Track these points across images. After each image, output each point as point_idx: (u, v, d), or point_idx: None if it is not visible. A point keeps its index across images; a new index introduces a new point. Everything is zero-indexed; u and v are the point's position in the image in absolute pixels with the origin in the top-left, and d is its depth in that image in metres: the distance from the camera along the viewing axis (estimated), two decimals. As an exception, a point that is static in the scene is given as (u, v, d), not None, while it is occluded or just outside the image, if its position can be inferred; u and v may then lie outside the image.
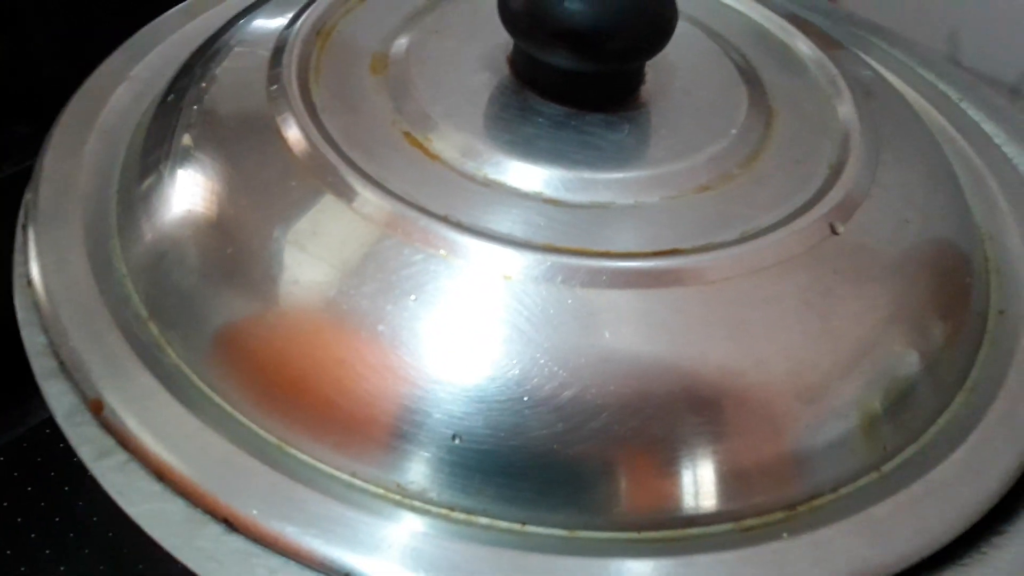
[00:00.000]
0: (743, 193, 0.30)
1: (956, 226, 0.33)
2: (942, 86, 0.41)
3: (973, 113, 0.40)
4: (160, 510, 0.24)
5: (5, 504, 0.46)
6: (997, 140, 0.39)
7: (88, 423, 0.25)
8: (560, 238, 0.28)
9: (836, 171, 0.31)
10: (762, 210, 0.29)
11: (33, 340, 0.27)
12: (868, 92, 0.35)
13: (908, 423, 0.28)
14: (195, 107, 0.33)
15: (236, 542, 0.23)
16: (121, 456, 0.25)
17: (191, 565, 0.22)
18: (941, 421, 0.29)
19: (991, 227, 0.35)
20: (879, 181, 0.31)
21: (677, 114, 0.32)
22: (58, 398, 0.26)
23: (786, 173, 0.31)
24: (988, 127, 0.39)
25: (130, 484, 0.24)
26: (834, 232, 0.29)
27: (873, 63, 0.40)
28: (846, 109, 0.33)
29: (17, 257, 0.30)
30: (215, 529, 0.23)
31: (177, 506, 0.24)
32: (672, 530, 0.26)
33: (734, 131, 0.32)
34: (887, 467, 0.28)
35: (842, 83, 0.34)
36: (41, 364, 0.27)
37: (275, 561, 0.23)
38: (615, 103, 0.32)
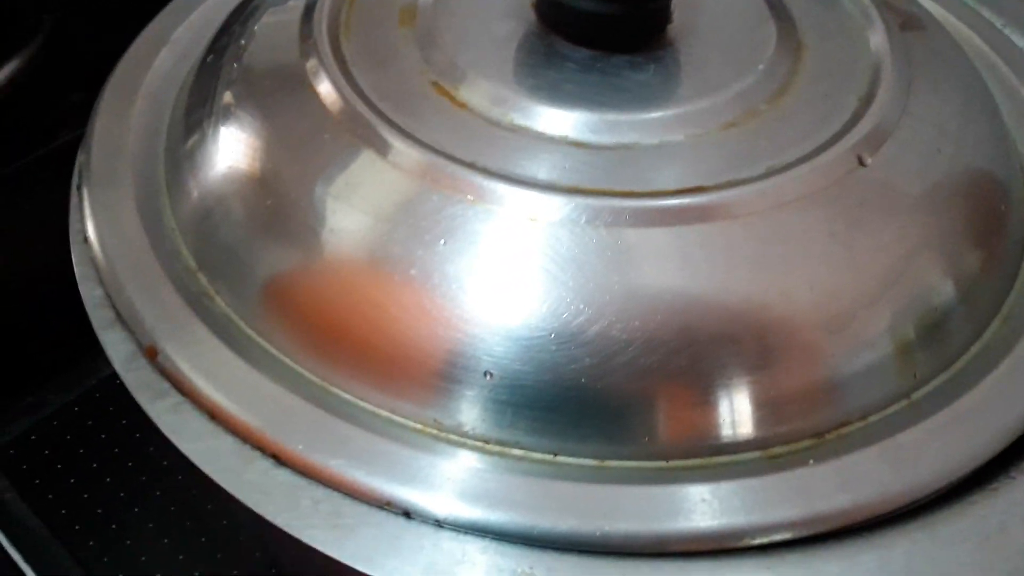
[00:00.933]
0: (770, 129, 0.30)
1: (993, 154, 0.33)
2: (985, 12, 0.40)
3: (1017, 39, 0.39)
4: (211, 447, 0.25)
5: (81, 451, 0.49)
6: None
7: (143, 369, 0.27)
8: (585, 179, 0.28)
9: (865, 103, 0.31)
10: (788, 145, 0.29)
11: (90, 293, 0.29)
12: (903, 21, 0.35)
13: (939, 351, 0.29)
14: (234, 65, 0.34)
15: (283, 476, 0.25)
16: (175, 398, 0.26)
17: (241, 497, 0.24)
18: (974, 349, 0.29)
19: (1033, 156, 0.35)
20: (910, 111, 0.31)
21: (704, 52, 0.32)
22: (115, 346, 0.28)
23: (814, 107, 0.31)
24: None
25: (183, 424, 0.26)
26: (862, 164, 0.29)
27: (910, -9, 0.39)
28: (878, 40, 0.33)
29: (73, 216, 0.31)
30: (263, 464, 0.25)
31: (227, 443, 0.25)
32: (700, 459, 0.26)
33: (762, 67, 0.32)
34: (917, 395, 0.28)
35: (874, 13, 0.34)
36: (99, 316, 0.29)
37: (319, 492, 0.24)
38: (641, 44, 0.32)
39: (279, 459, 0.25)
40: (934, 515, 0.25)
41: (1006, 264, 0.31)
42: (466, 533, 0.24)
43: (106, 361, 0.28)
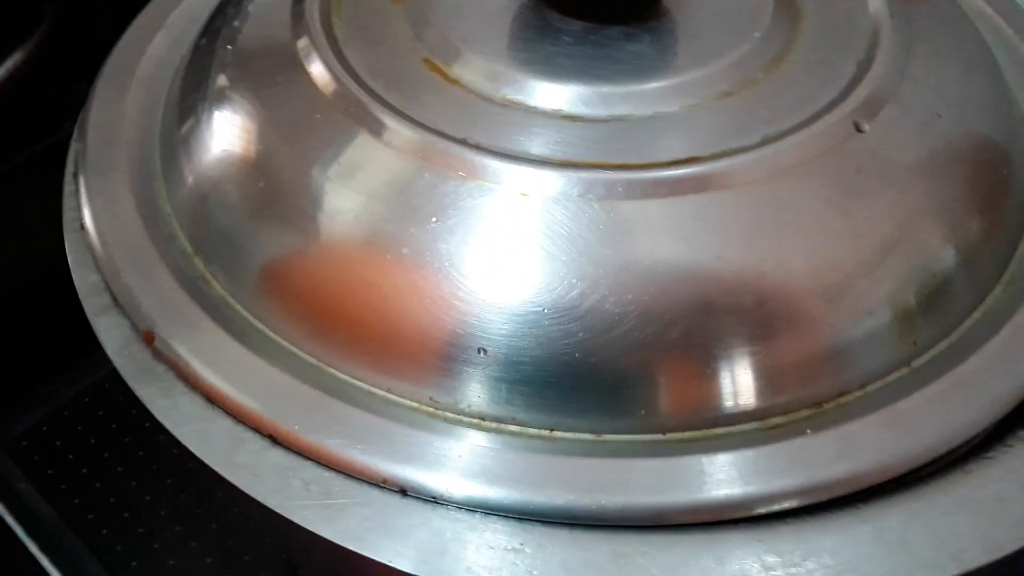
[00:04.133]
0: (766, 97, 0.30)
1: (994, 118, 0.32)
2: (988, -26, 0.40)
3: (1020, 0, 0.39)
4: (203, 430, 0.25)
5: (92, 441, 0.50)
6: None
7: (136, 354, 0.27)
8: (578, 153, 0.28)
9: (863, 68, 0.30)
10: (785, 113, 0.29)
11: (84, 280, 0.29)
12: (902, -16, 0.34)
13: (940, 318, 0.28)
14: (228, 47, 0.34)
15: (275, 457, 0.25)
16: (166, 382, 0.26)
17: (233, 479, 0.24)
18: (975, 315, 0.29)
19: (1037, 119, 0.34)
20: (909, 76, 0.30)
21: (700, 21, 0.32)
22: (108, 332, 0.28)
23: (811, 74, 0.30)
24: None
25: (175, 407, 0.26)
26: (859, 130, 0.28)
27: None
28: (877, 4, 0.32)
29: (67, 203, 0.31)
30: (255, 446, 0.25)
31: (220, 426, 0.26)
32: (698, 431, 0.26)
33: (758, 34, 0.31)
34: (917, 362, 0.28)
35: (873, -23, 0.33)
36: (93, 302, 0.29)
37: (311, 472, 0.25)
38: (636, 14, 0.32)
39: (275, 440, 0.26)
40: (930, 485, 0.24)
41: (1008, 229, 0.30)
42: (461, 510, 0.24)
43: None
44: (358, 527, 0.24)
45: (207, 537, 0.46)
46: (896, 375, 0.27)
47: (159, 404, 0.26)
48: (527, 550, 0.23)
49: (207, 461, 0.24)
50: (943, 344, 0.28)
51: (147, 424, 0.49)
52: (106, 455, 0.49)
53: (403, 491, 0.24)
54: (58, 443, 0.50)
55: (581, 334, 0.26)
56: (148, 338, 0.28)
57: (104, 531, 0.46)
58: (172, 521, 0.46)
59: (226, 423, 0.26)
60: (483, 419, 0.26)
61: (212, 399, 0.26)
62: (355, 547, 0.23)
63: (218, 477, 0.25)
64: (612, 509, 0.24)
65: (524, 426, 0.26)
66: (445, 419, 0.26)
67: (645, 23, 0.32)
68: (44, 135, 0.55)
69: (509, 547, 0.23)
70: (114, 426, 0.50)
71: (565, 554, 0.23)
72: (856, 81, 0.30)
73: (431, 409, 0.27)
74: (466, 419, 0.26)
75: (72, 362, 0.52)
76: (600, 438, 0.26)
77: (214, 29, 0.35)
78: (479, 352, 0.26)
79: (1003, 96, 0.34)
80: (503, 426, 0.26)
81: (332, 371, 0.27)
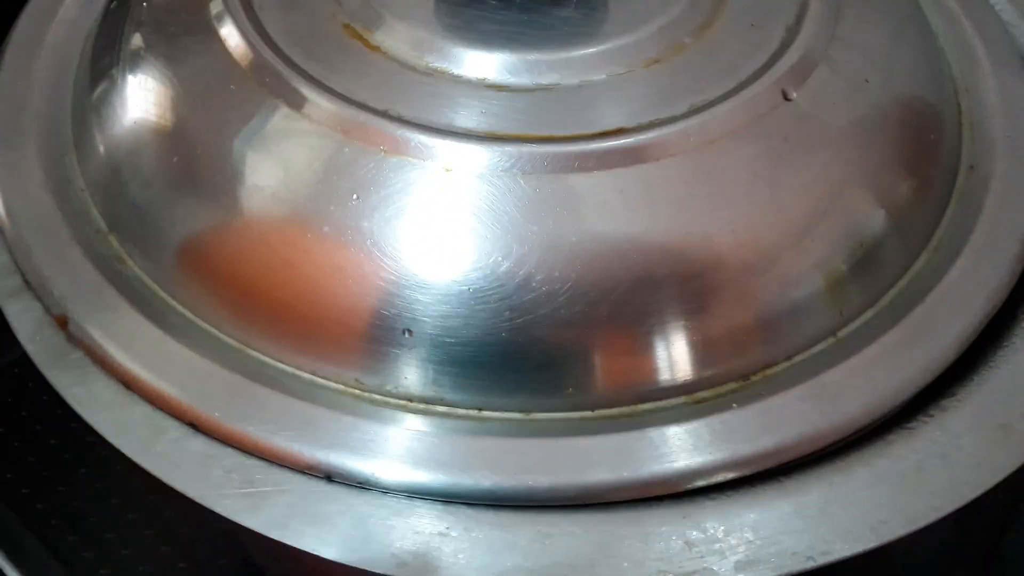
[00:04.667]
0: (694, 64, 0.29)
1: (924, 81, 0.32)
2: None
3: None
4: (120, 418, 0.25)
5: (24, 413, 0.48)
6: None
7: (49, 339, 0.26)
8: (504, 125, 0.27)
9: (792, 33, 0.30)
10: (713, 80, 0.29)
11: None
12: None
13: (867, 287, 0.28)
14: (143, 5, 0.32)
15: (196, 445, 0.24)
16: (81, 368, 0.25)
17: (151, 469, 0.23)
18: (902, 283, 0.29)
19: (968, 79, 0.34)
20: (838, 40, 0.30)
21: (628, -15, 0.31)
22: (19, 316, 0.27)
23: (741, 39, 0.30)
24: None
25: (91, 395, 0.25)
26: (786, 98, 0.28)
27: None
28: (808, -34, 0.32)
29: None
30: (175, 434, 0.24)
31: (138, 414, 0.25)
32: (626, 407, 0.26)
33: (687, -1, 0.31)
34: (844, 332, 0.28)
35: (805, -62, 0.33)
36: (2, 284, 0.28)
37: (232, 460, 0.24)
38: (563, -22, 0.31)
39: (196, 427, 0.25)
40: (852, 456, 0.25)
41: (936, 194, 0.31)
42: (387, 495, 0.24)
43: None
44: (281, 515, 0.23)
45: (145, 508, 0.45)
46: (823, 345, 0.27)
47: (73, 392, 0.25)
48: (453, 534, 0.23)
49: (125, 451, 0.24)
50: (869, 313, 0.28)
51: (59, 411, 0.48)
52: (38, 428, 0.47)
53: (328, 477, 0.24)
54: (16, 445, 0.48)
55: (508, 313, 0.25)
56: (61, 322, 0.27)
57: (39, 505, 0.45)
58: (109, 493, 0.45)
59: (144, 410, 0.25)
60: (410, 400, 0.26)
61: (130, 385, 0.26)
62: (278, 536, 0.23)
63: (135, 465, 0.24)
64: (539, 490, 0.24)
65: (452, 407, 0.26)
66: (372, 401, 0.26)
67: (573, -13, 0.31)
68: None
69: (435, 531, 0.23)
70: (45, 398, 0.48)
71: (491, 537, 0.23)
72: (785, 46, 0.29)
73: (357, 391, 0.26)
74: (393, 401, 0.26)
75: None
76: (529, 416, 0.26)
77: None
78: (404, 333, 0.26)
79: (934, 59, 0.34)
80: (431, 407, 0.26)
81: (254, 354, 0.27)
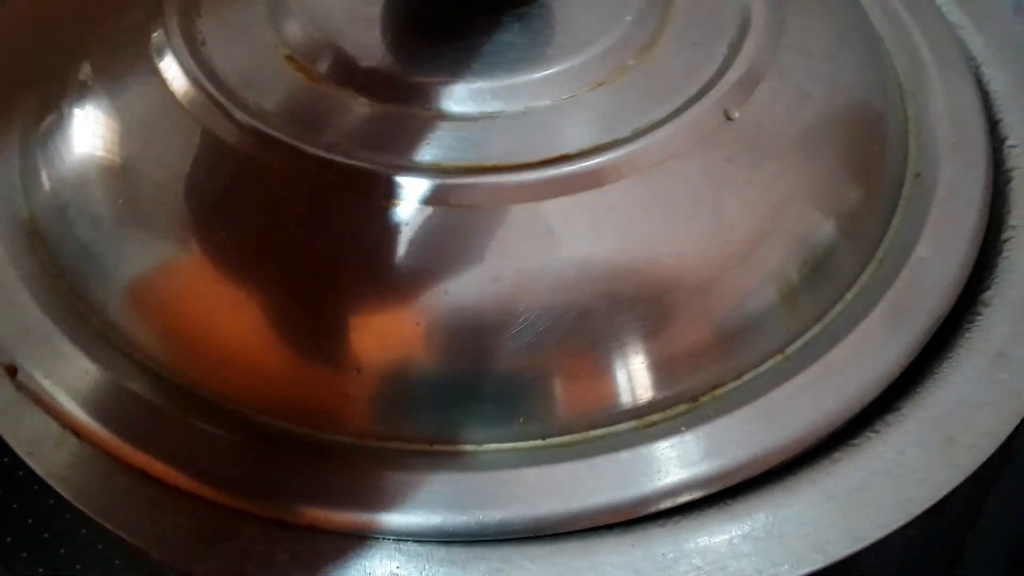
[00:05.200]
0: (638, 85, 0.29)
1: (868, 91, 0.32)
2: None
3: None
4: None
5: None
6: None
7: None
8: (448, 155, 0.27)
9: (735, 50, 0.30)
10: (656, 102, 0.29)
11: None
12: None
13: (813, 303, 0.29)
14: (92, 33, 0.32)
15: (148, 493, 0.24)
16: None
17: (101, 520, 0.24)
18: (848, 297, 0.29)
19: (914, 85, 0.34)
20: (780, 56, 0.30)
21: (571, 7, 0.31)
22: None
23: (684, 58, 0.30)
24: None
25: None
26: (728, 118, 0.28)
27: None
28: (749, -21, 0.32)
29: None
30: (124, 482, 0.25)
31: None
32: (576, 434, 0.26)
33: (629, 18, 0.31)
34: (791, 349, 0.28)
35: (745, -48, 0.33)
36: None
37: (182, 506, 0.24)
38: (506, 2, 0.31)
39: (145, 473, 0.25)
40: (799, 475, 0.25)
41: (881, 205, 0.31)
42: (337, 535, 0.24)
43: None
44: (232, 561, 0.23)
45: (96, 557, 0.44)
46: (771, 363, 0.28)
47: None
48: (402, 573, 0.23)
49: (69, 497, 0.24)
50: (816, 328, 0.28)
51: None
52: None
53: (279, 521, 0.24)
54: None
55: (454, 347, 0.25)
56: (10, 371, 0.27)
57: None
58: (63, 509, 0.45)
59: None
60: (363, 437, 0.26)
61: (79, 434, 0.26)
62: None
63: None
64: (490, 524, 0.24)
65: (403, 442, 0.26)
66: (321, 440, 0.26)
67: (515, 12, 0.31)
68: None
69: (386, 572, 0.23)
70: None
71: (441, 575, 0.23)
72: (727, 65, 0.30)
73: (309, 431, 0.26)
74: (347, 439, 0.26)
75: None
76: (480, 448, 0.26)
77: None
78: (355, 371, 0.26)
79: (879, 65, 0.34)
80: (383, 444, 0.26)
81: (201, 393, 0.27)
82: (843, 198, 0.30)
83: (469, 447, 0.26)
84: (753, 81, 0.29)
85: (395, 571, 0.23)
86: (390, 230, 0.26)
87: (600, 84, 0.29)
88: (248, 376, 0.27)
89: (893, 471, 0.25)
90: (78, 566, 0.43)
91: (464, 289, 0.26)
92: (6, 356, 0.27)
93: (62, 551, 0.44)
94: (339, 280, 0.26)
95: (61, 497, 0.43)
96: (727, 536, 0.24)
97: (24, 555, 0.44)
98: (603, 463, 0.25)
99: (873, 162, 0.31)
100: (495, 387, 0.26)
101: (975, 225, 0.30)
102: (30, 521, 0.45)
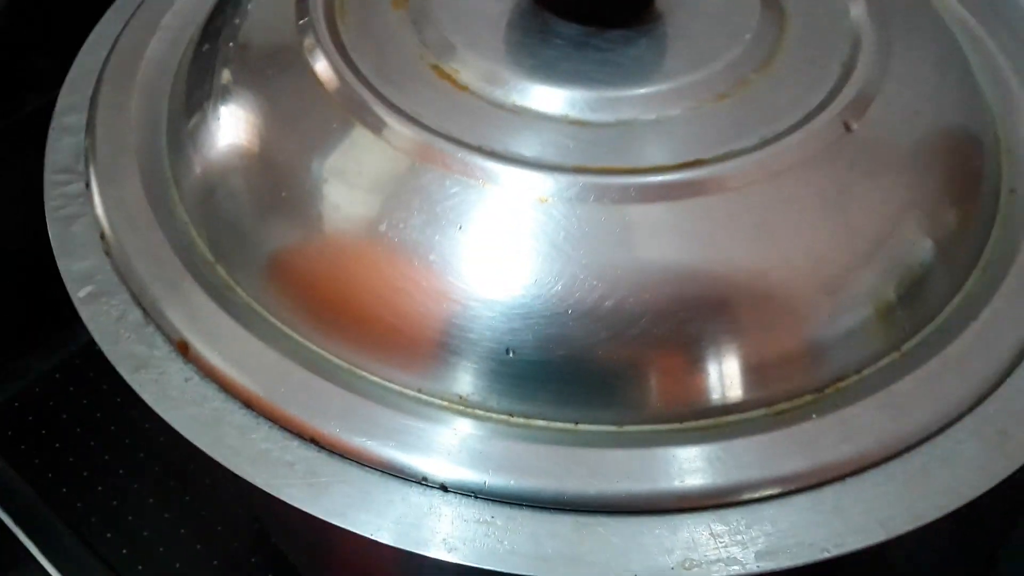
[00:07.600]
0: (760, 98, 0.31)
1: (967, 111, 0.34)
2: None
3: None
4: (193, 415, 0.27)
5: (64, 416, 0.50)
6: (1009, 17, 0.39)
7: (125, 340, 0.29)
8: (589, 158, 0.29)
9: (848, 69, 0.32)
10: (779, 114, 0.31)
11: (70, 268, 0.31)
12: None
13: (925, 304, 0.30)
14: (231, 44, 0.34)
15: (260, 438, 0.27)
16: (157, 368, 0.28)
17: (221, 460, 0.26)
18: (956, 300, 0.31)
19: (1002, 108, 0.36)
20: (890, 75, 0.32)
21: (692, 24, 0.33)
22: (95, 320, 0.29)
23: (800, 74, 0.32)
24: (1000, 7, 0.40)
25: (164, 393, 0.28)
26: (848, 129, 0.30)
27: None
28: (857, 6, 0.34)
29: (50, 192, 0.33)
30: (240, 429, 0.27)
31: (207, 410, 0.28)
32: (711, 419, 0.28)
33: (748, 36, 0.33)
34: (907, 346, 0.30)
35: (851, -23, 0.35)
36: (79, 289, 0.30)
37: (294, 454, 0.26)
38: (631, 18, 0.33)
39: (318, 443, 0.27)
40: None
41: (983, 217, 0.33)
42: (436, 489, 0.26)
43: (83, 328, 0.29)
44: (340, 504, 0.25)
45: (181, 508, 0.47)
46: (889, 359, 0.29)
47: (151, 391, 0.28)
48: (498, 522, 0.25)
49: (197, 443, 0.26)
50: (929, 328, 0.30)
51: (118, 399, 0.49)
52: (79, 430, 0.50)
53: (383, 471, 0.26)
54: (31, 418, 0.50)
55: (603, 333, 0.27)
56: (182, 348, 0.29)
57: (78, 504, 0.47)
58: (145, 493, 0.47)
59: (214, 407, 0.27)
60: (511, 415, 0.28)
61: (251, 406, 0.28)
62: (338, 521, 0.25)
63: (193, 451, 0.26)
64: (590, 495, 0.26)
65: (550, 420, 0.28)
66: (476, 417, 0.28)
67: (641, 27, 0.33)
68: (8, 112, 0.54)
69: (481, 520, 0.25)
70: (86, 401, 0.51)
71: (533, 525, 0.25)
72: (843, 81, 0.32)
73: (461, 407, 0.28)
74: (496, 416, 0.28)
75: (43, 338, 0.53)
76: (622, 429, 0.28)
77: (214, 28, 0.36)
78: (507, 353, 0.28)
79: (973, 89, 0.36)
80: (531, 421, 0.28)
81: (364, 374, 0.29)
82: (951, 208, 0.32)
83: (612, 427, 0.28)
84: (868, 97, 0.31)
85: (489, 520, 0.25)
86: (539, 223, 0.28)
87: (724, 96, 0.31)
88: (405, 359, 0.28)
89: (950, 459, 0.27)
90: (144, 533, 0.45)
91: (610, 281, 0.28)
92: (177, 334, 0.29)
93: (128, 518, 0.46)
94: (493, 269, 0.28)
95: (129, 467, 0.46)
96: (797, 507, 0.26)
97: (92, 520, 0.46)
98: (741, 444, 0.27)
99: (974, 176, 0.33)
100: (635, 372, 0.28)
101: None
102: (99, 489, 0.47)
